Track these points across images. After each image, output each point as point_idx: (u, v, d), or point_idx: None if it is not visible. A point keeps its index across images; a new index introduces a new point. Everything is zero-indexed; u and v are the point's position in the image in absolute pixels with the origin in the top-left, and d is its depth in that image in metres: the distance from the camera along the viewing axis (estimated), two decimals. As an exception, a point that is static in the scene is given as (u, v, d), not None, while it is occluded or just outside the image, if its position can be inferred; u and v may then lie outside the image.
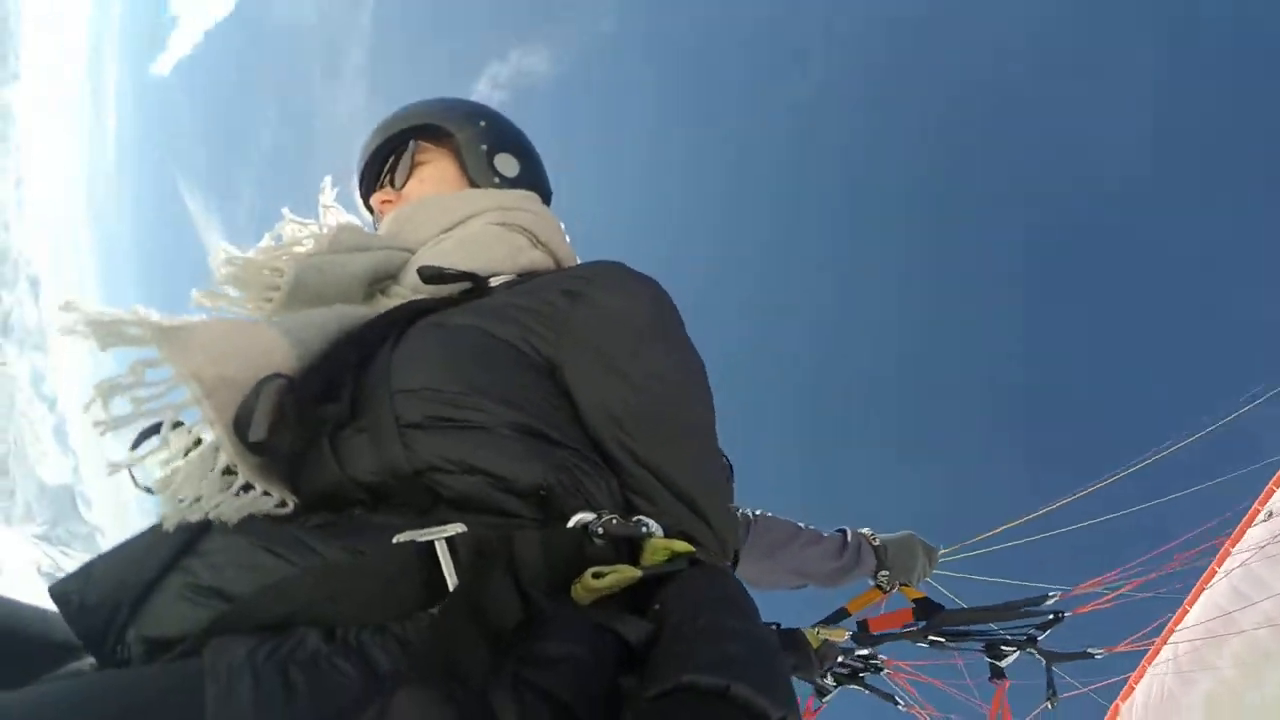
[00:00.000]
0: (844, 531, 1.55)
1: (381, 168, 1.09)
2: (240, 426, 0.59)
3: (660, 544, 0.61)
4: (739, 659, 0.48)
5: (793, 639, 1.43)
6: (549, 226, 1.02)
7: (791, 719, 0.46)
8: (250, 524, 0.59)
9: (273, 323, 0.69)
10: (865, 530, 1.57)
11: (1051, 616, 1.44)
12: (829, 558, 1.46)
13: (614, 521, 0.61)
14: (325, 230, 0.88)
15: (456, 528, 0.54)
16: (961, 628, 1.47)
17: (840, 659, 1.61)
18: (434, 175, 1.06)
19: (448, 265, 0.85)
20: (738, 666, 0.47)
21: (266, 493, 0.61)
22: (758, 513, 1.54)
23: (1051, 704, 1.47)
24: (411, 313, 0.77)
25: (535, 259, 0.97)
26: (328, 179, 0.98)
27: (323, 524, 0.61)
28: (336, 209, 0.97)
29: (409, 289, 0.89)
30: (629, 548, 0.61)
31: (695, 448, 0.75)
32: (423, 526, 0.55)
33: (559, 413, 0.71)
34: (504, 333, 0.73)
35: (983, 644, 1.42)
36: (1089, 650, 1.53)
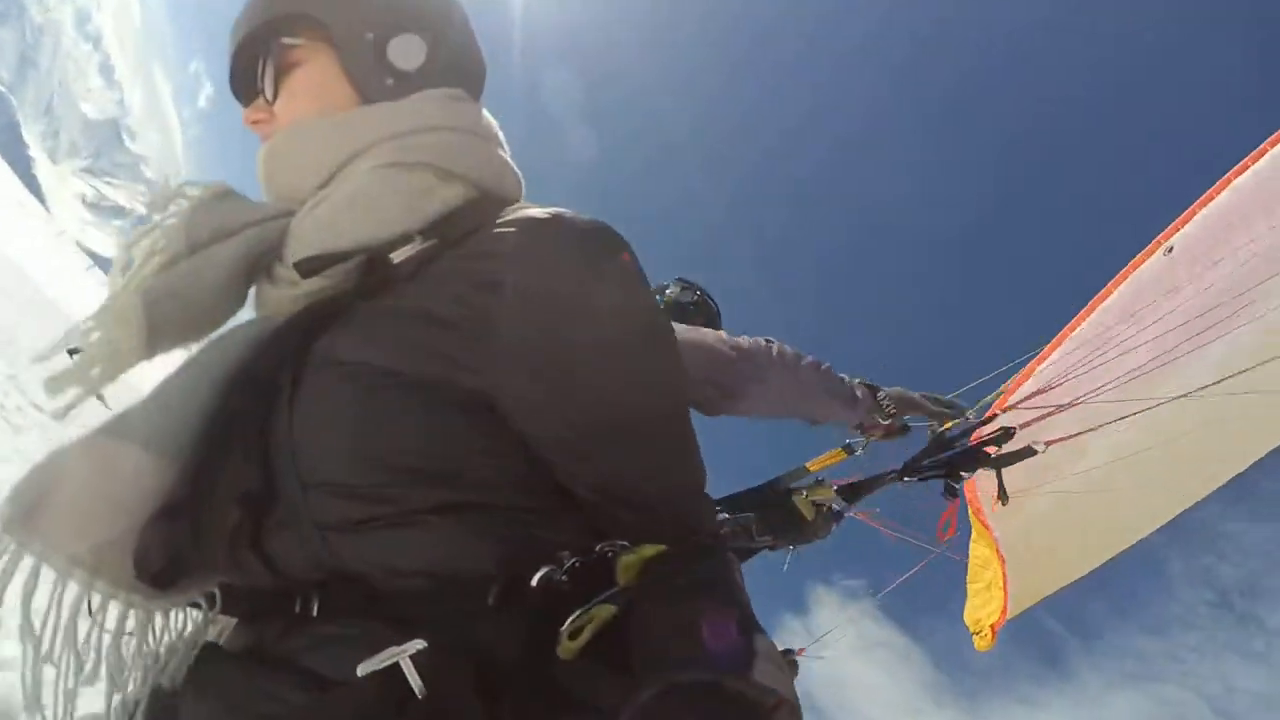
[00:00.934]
0: (870, 388, 1.47)
1: (253, 75, 0.77)
2: (142, 576, 0.56)
3: (630, 560, 0.57)
4: (723, 651, 0.48)
5: (790, 516, 1.42)
6: (465, 145, 0.72)
7: (786, 704, 0.46)
8: (210, 686, 0.58)
9: (128, 432, 0.56)
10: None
11: (1001, 431, 1.52)
12: (845, 410, 1.41)
13: (577, 565, 0.57)
14: (176, 224, 0.66)
15: (415, 644, 0.50)
16: (926, 463, 1.55)
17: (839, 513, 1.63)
18: (308, 84, 0.74)
19: (330, 242, 0.65)
20: (724, 658, 0.47)
21: (196, 603, 0.62)
22: (774, 348, 1.37)
23: (1003, 503, 1.57)
24: (300, 337, 0.61)
25: (448, 199, 0.68)
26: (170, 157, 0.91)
27: (276, 645, 0.58)
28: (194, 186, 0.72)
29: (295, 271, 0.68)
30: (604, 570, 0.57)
31: (664, 452, 0.64)
32: (374, 628, 0.53)
33: (500, 459, 0.60)
34: (415, 369, 0.58)
35: (944, 471, 1.52)
36: (1032, 446, 1.55)
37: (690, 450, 0.65)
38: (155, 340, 0.62)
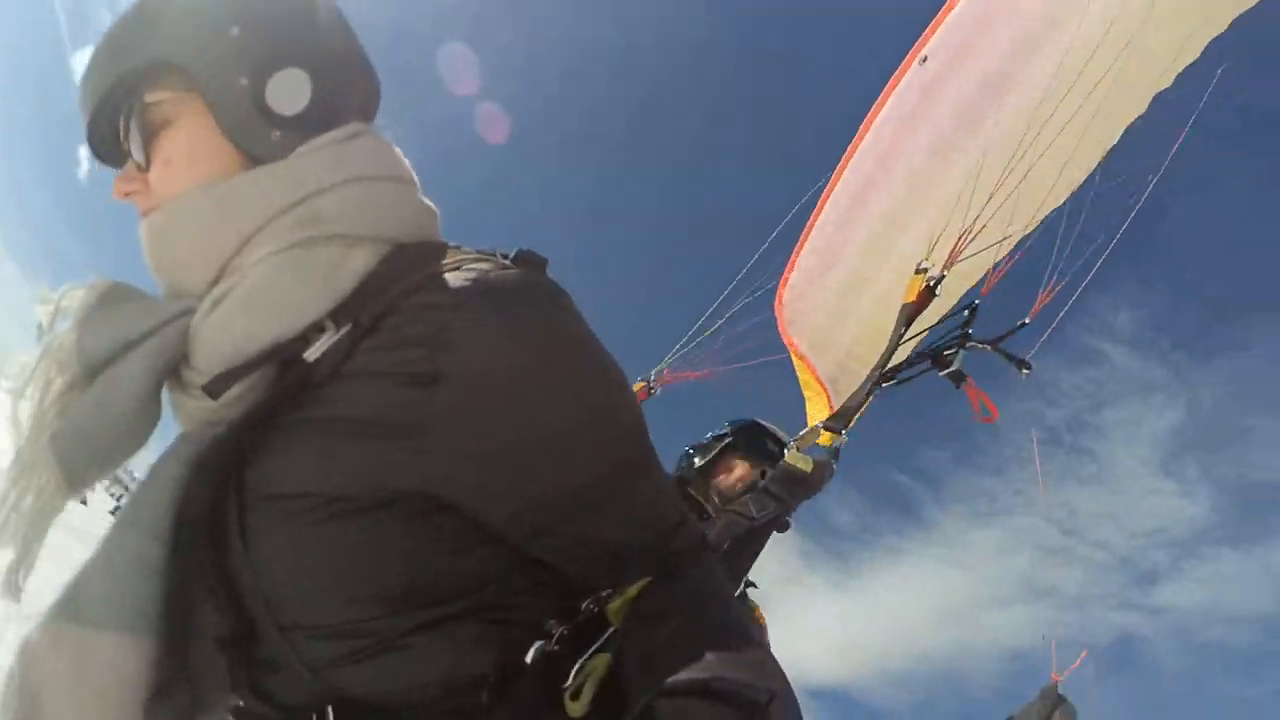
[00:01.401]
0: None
1: (117, 138, 0.66)
2: None
3: (616, 605, 0.58)
4: (716, 659, 0.48)
5: (789, 478, 1.27)
6: (368, 198, 0.64)
7: (780, 697, 0.47)
8: None
9: (90, 615, 0.54)
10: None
11: (966, 312, 1.42)
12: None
13: (564, 632, 0.58)
14: (65, 346, 0.60)
15: None
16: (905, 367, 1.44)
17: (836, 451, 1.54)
18: (182, 148, 0.64)
19: (235, 350, 0.57)
20: (717, 663, 0.47)
21: None
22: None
23: (1025, 371, 1.43)
24: (230, 469, 0.56)
25: (357, 267, 0.60)
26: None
27: None
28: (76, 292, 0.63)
29: (207, 374, 0.59)
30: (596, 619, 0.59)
31: (632, 497, 0.61)
32: None
33: (469, 557, 0.58)
34: (362, 491, 0.54)
35: (927, 366, 1.39)
36: (1021, 322, 1.49)
37: (656, 483, 0.64)
38: (76, 484, 0.59)
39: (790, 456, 1.17)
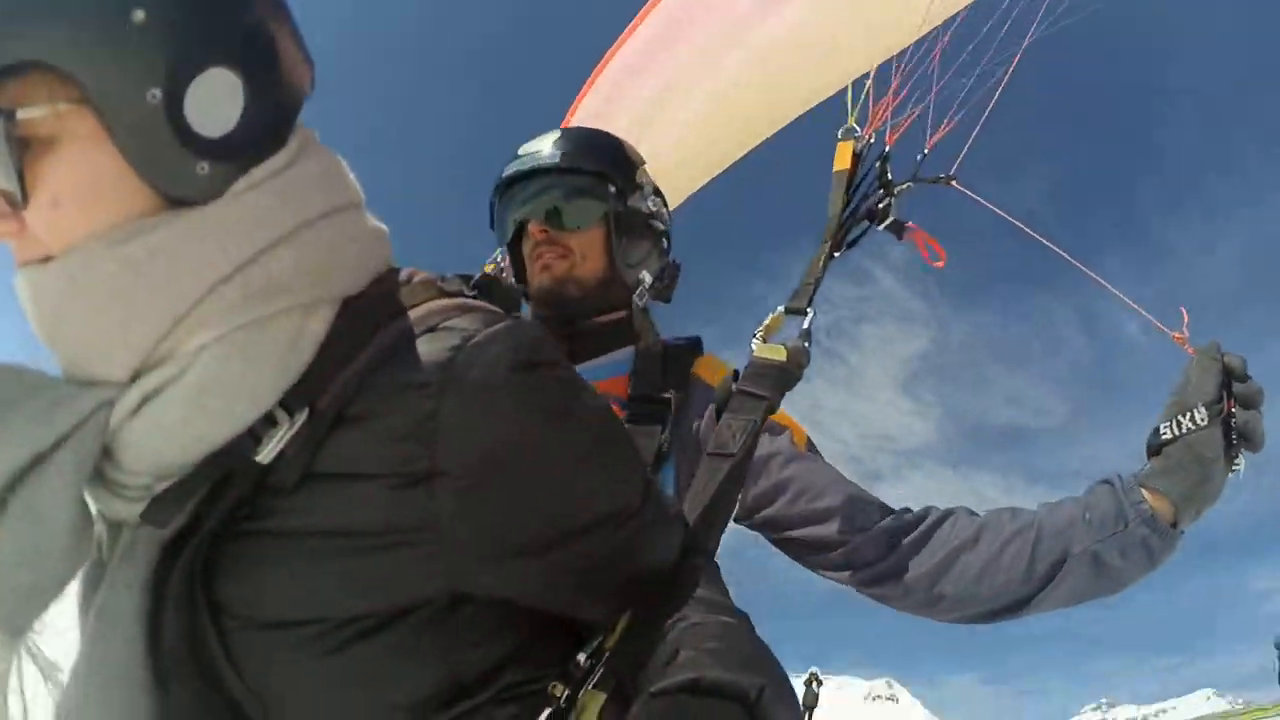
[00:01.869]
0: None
1: None
2: None
3: (611, 643, 0.56)
4: (697, 650, 0.49)
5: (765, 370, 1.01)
6: (328, 247, 0.52)
7: (771, 689, 0.46)
8: None
9: None
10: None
11: (878, 164, 1.29)
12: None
13: (568, 693, 0.55)
14: None
15: None
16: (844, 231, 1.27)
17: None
18: (73, 184, 0.47)
19: (174, 454, 0.47)
20: (696, 656, 0.48)
21: None
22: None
23: (952, 182, 1.32)
24: (194, 596, 0.47)
25: (315, 334, 0.50)
26: None
27: None
28: None
29: (143, 478, 0.49)
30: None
31: (646, 541, 0.60)
32: None
33: (486, 643, 0.53)
34: (377, 606, 0.49)
35: (867, 225, 1.27)
36: (923, 154, 1.35)
37: (665, 514, 0.62)
38: (19, 630, 0.49)
39: (759, 349, 0.95)
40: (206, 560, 0.47)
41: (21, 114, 0.44)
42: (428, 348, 0.49)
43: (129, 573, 0.47)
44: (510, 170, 1.13)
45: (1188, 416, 0.79)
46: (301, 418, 0.47)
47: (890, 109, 1.45)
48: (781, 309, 1.05)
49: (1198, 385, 0.81)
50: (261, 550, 0.48)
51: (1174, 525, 0.79)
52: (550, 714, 0.53)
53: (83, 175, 0.47)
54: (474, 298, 0.58)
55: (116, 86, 0.45)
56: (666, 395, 0.99)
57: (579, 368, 0.72)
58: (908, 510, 0.99)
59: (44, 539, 0.47)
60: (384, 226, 0.59)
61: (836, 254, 1.22)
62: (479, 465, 0.48)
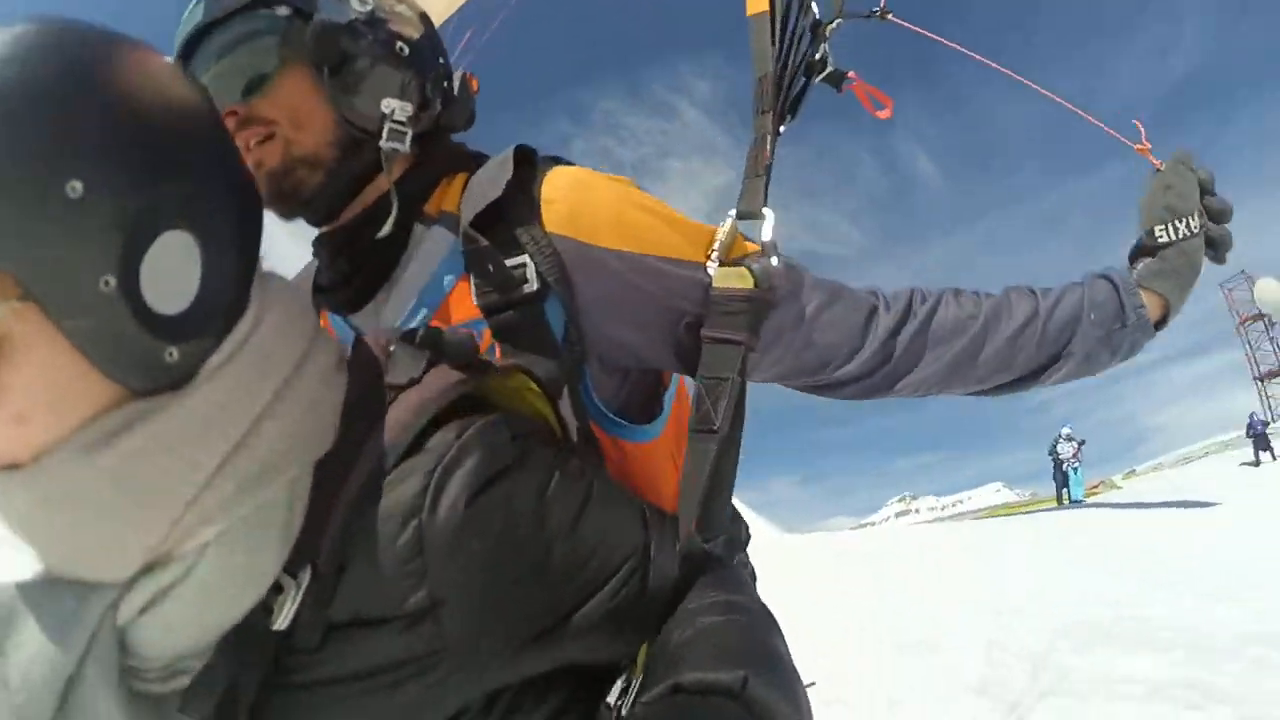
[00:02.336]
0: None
1: None
2: None
3: (638, 668, 0.56)
4: (682, 656, 0.49)
5: (728, 303, 0.76)
6: (309, 405, 0.51)
7: (756, 678, 0.46)
8: None
9: None
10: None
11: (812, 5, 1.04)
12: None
13: None
14: None
15: None
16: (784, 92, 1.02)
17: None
18: (35, 395, 0.42)
19: (195, 638, 0.47)
20: (680, 662, 0.48)
21: None
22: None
23: (883, 16, 1.11)
24: None
25: (302, 498, 0.49)
26: None
27: None
28: None
29: (159, 662, 0.47)
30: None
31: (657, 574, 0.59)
32: None
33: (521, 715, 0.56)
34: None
35: (804, 81, 1.04)
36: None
37: (658, 545, 0.60)
38: None
39: (719, 277, 0.72)
40: None
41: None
42: (401, 487, 0.48)
43: None
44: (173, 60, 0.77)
45: (1183, 223, 0.81)
46: (305, 579, 0.46)
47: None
48: (732, 216, 0.79)
49: (1185, 194, 0.82)
50: (298, 702, 0.49)
51: (1161, 322, 0.83)
52: None
53: (44, 380, 0.41)
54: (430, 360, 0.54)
55: (62, 277, 0.39)
56: (524, 291, 0.68)
57: (395, 296, 0.72)
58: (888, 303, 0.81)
59: None
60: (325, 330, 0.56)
61: (782, 126, 0.98)
62: (471, 587, 0.49)
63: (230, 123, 0.71)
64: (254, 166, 0.73)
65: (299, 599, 0.46)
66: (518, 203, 0.70)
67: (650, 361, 0.77)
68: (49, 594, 0.46)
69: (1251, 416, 16.85)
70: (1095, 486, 17.46)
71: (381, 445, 0.49)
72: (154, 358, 0.43)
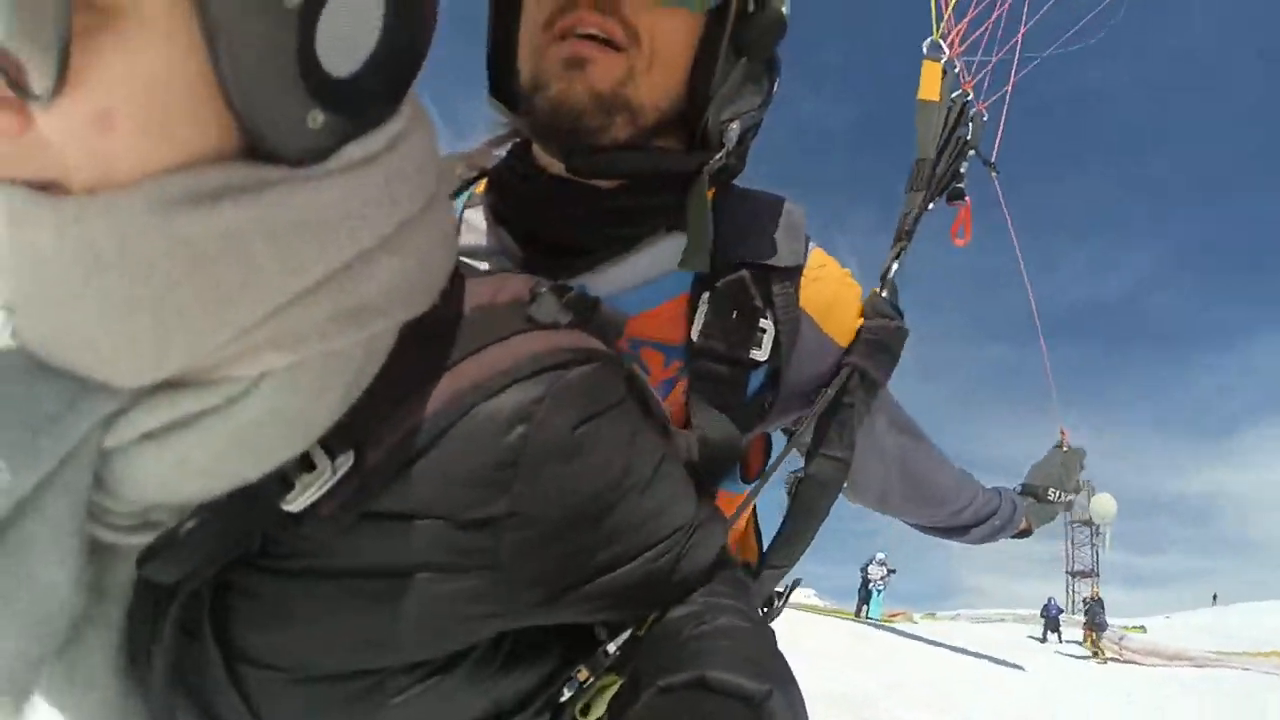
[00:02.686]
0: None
1: None
2: None
3: (645, 626, 0.55)
4: (709, 649, 0.47)
5: (878, 343, 0.83)
6: (421, 261, 0.44)
7: (778, 694, 0.44)
8: None
9: None
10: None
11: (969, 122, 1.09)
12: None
13: (586, 675, 0.54)
14: None
15: None
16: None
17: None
18: (138, 97, 0.30)
19: (203, 494, 0.39)
20: (707, 655, 0.46)
21: None
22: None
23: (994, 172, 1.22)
24: (201, 629, 0.41)
25: (377, 361, 0.42)
26: None
27: None
28: None
29: (135, 507, 0.39)
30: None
31: (672, 564, 0.56)
32: None
33: (528, 672, 0.53)
34: (431, 654, 0.47)
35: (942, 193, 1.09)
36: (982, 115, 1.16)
37: (707, 528, 0.58)
38: (22, 697, 0.37)
39: (870, 322, 0.77)
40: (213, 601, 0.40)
41: None
42: (511, 392, 0.43)
43: (112, 612, 0.40)
44: None
45: (1058, 494, 1.23)
46: (345, 465, 0.39)
47: (967, 27, 1.15)
48: (877, 290, 0.82)
49: (1068, 475, 1.29)
50: (282, 591, 0.41)
51: (1021, 534, 1.19)
52: (571, 696, 0.53)
53: (153, 79, 0.30)
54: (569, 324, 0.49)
55: None
56: (752, 355, 0.65)
57: (594, 281, 0.63)
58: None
59: (41, 603, 0.36)
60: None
61: (930, 205, 1.01)
62: (549, 510, 0.45)
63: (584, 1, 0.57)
64: (568, 63, 0.59)
65: (328, 486, 0.39)
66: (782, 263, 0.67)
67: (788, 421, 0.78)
68: (22, 384, 0.34)
69: (1050, 600, 18.96)
70: (895, 614, 19.02)
71: (495, 354, 0.44)
72: (296, 115, 0.34)
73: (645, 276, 0.65)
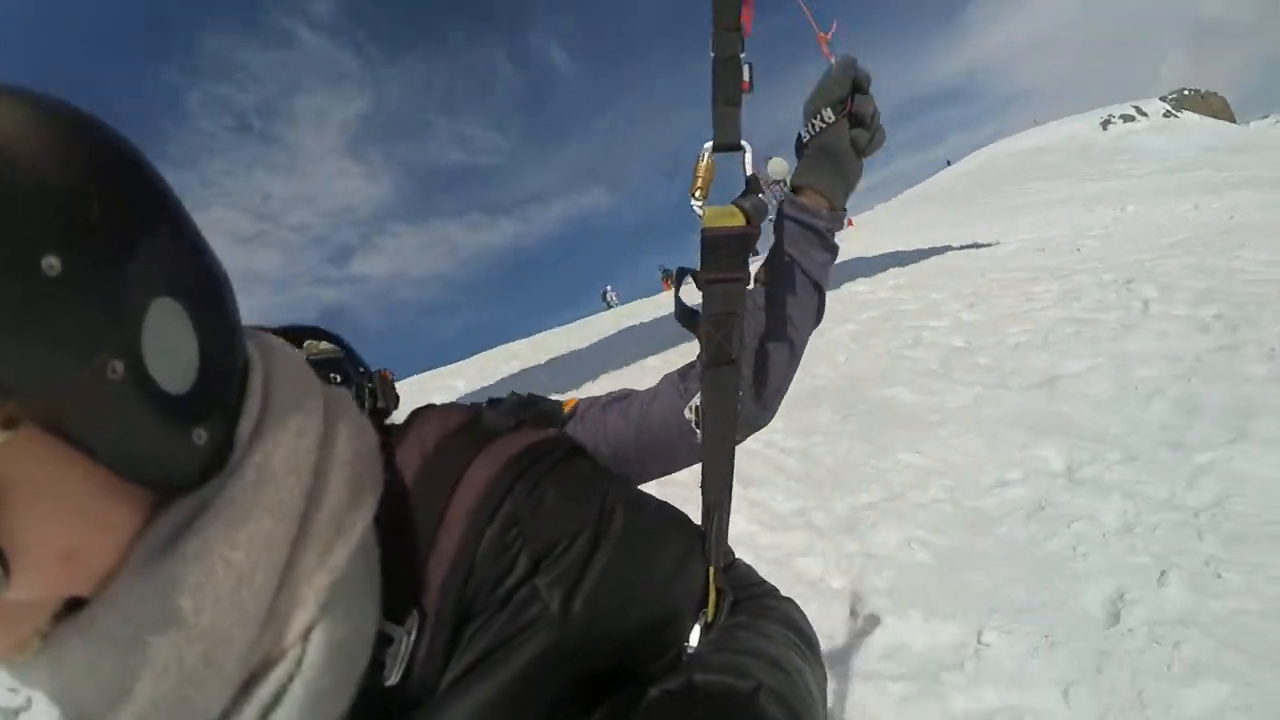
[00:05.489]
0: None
1: None
2: None
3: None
4: (698, 652, 0.51)
5: (722, 243, 0.71)
6: (344, 442, 0.47)
7: (770, 686, 0.48)
8: None
9: None
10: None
11: None
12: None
13: None
14: None
15: None
16: None
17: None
18: (70, 526, 0.35)
19: None
20: (703, 662, 0.50)
21: None
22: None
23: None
24: None
25: (370, 539, 0.47)
26: None
27: None
28: None
29: None
30: None
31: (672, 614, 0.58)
32: None
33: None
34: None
35: None
36: None
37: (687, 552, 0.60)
38: None
39: (709, 217, 0.69)
40: None
41: None
42: (515, 501, 0.49)
43: None
44: None
45: (818, 118, 0.81)
46: (414, 624, 0.45)
47: None
48: (708, 150, 0.72)
49: (827, 91, 0.82)
50: None
51: (834, 208, 0.83)
52: None
53: (69, 509, 0.33)
54: (516, 424, 0.57)
55: (59, 374, 0.31)
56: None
57: None
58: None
59: None
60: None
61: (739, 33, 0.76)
62: (558, 538, 0.49)
63: None
64: None
65: (406, 652, 0.44)
66: None
67: None
68: None
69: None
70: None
71: (468, 483, 0.49)
72: (183, 445, 0.37)
73: None
